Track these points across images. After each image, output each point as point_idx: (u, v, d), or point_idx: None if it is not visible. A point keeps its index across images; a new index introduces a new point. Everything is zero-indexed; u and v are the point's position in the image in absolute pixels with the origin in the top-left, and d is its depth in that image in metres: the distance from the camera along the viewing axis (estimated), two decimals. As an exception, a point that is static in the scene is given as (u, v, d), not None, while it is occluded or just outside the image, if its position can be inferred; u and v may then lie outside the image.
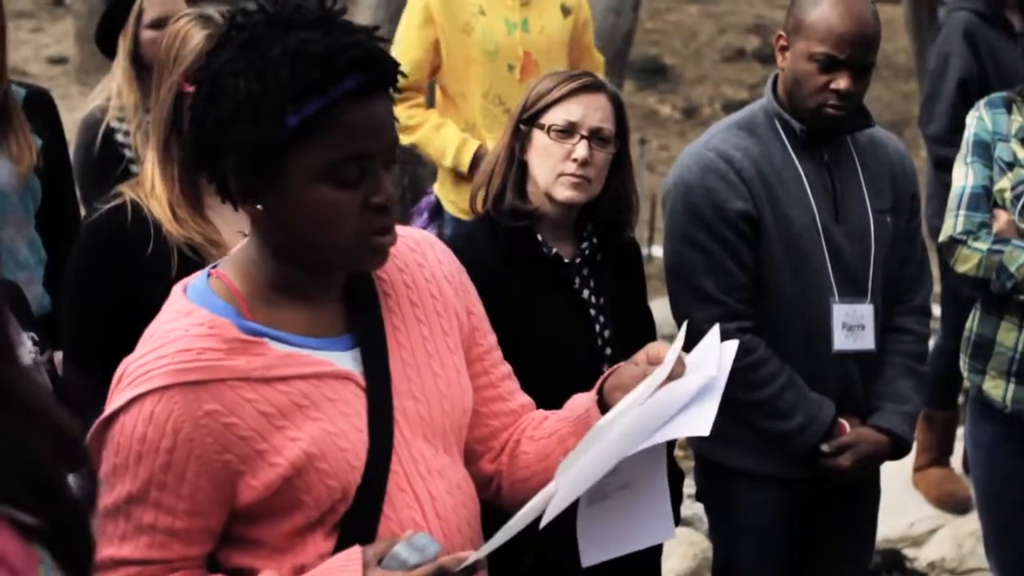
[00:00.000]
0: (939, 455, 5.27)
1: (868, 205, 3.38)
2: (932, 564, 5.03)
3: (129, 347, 2.75)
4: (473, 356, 2.18)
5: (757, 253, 3.29)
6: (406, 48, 4.52)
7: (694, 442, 3.51)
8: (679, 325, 3.40)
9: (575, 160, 3.08)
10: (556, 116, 3.12)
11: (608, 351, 3.17)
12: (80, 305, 2.89)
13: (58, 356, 3.02)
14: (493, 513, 2.15)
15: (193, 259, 2.79)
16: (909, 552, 5.09)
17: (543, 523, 1.96)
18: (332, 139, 1.85)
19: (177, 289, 2.02)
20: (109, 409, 1.93)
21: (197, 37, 2.83)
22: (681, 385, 2.03)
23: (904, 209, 3.46)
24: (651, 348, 2.10)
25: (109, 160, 4.00)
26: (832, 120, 3.27)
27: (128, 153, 4.00)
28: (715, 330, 2.14)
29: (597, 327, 3.17)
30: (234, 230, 2.88)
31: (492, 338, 2.24)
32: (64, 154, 3.81)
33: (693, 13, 15.76)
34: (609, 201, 3.19)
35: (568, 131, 3.10)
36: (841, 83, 3.22)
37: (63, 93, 11.63)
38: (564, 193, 3.10)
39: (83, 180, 4.03)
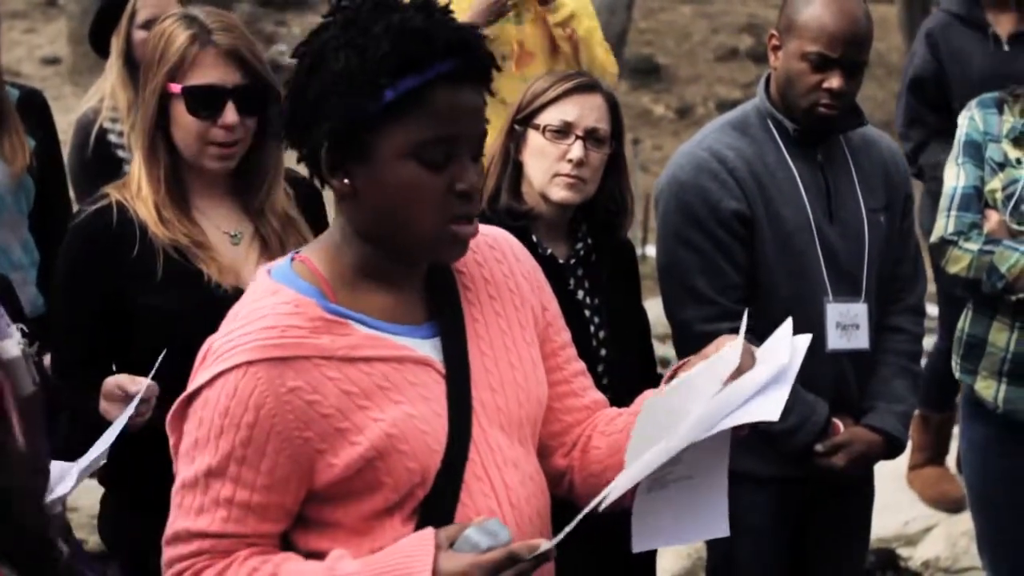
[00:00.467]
0: (934, 455, 5.27)
1: (862, 204, 3.38)
2: (926, 563, 5.03)
3: (115, 346, 2.76)
4: (547, 351, 2.20)
5: (751, 253, 3.29)
6: None
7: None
8: (672, 325, 3.40)
9: (570, 160, 3.08)
10: (551, 116, 3.12)
11: (603, 352, 3.17)
12: (66, 307, 2.89)
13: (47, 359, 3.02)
14: (563, 510, 2.14)
15: (179, 261, 2.79)
16: (903, 551, 5.09)
17: (604, 505, 1.97)
18: (424, 118, 1.89)
19: (262, 271, 2.06)
20: (193, 384, 1.96)
21: (181, 37, 2.82)
22: (751, 376, 2.04)
23: (897, 208, 3.46)
24: (720, 341, 2.12)
25: (103, 161, 3.99)
26: (825, 119, 3.27)
27: (122, 154, 3.99)
28: (788, 322, 2.15)
29: (592, 328, 3.17)
30: (220, 232, 2.87)
31: (566, 335, 2.26)
32: (57, 155, 3.81)
33: (687, 13, 15.77)
34: (604, 201, 3.19)
35: (563, 131, 3.10)
36: (834, 82, 3.22)
37: (56, 94, 11.62)
38: (559, 193, 3.10)
39: (77, 181, 4.03)
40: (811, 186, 3.33)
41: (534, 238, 3.15)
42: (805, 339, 2.13)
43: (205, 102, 2.79)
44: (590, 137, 3.11)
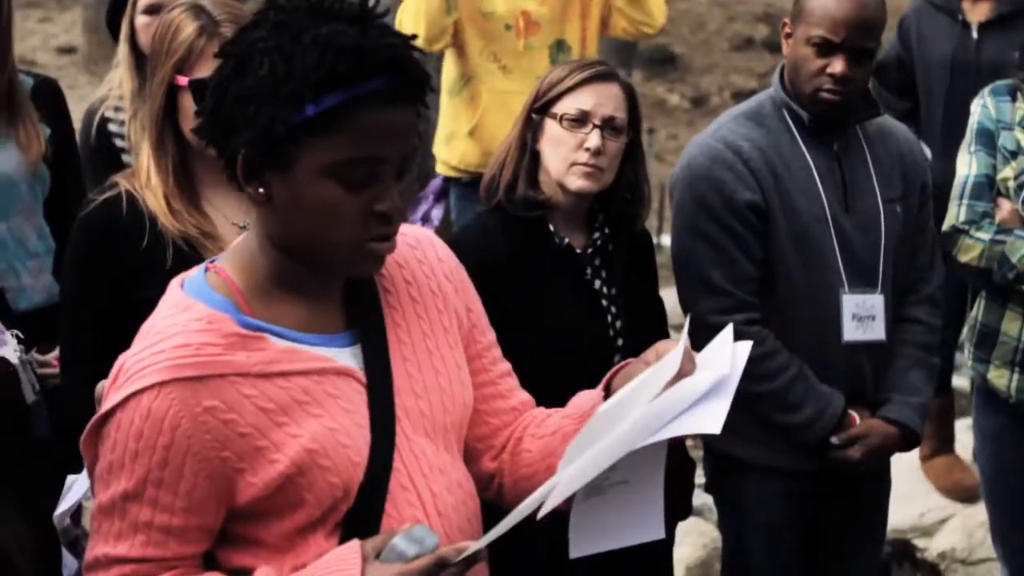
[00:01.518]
0: (941, 443, 5.26)
1: (878, 194, 3.37)
2: (942, 554, 5.02)
3: (124, 340, 2.75)
4: (472, 353, 2.16)
5: (766, 244, 3.28)
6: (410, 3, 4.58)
7: (703, 434, 3.50)
8: (687, 315, 3.39)
9: (587, 149, 3.08)
10: (568, 105, 3.11)
11: (620, 341, 3.17)
12: (74, 298, 2.88)
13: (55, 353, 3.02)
14: (493, 513, 2.14)
15: (188, 253, 2.77)
16: (919, 542, 5.08)
17: (541, 513, 1.95)
18: (346, 137, 1.83)
19: (174, 283, 2.00)
20: (106, 406, 1.92)
21: (188, 28, 2.79)
22: (691, 382, 2.01)
23: (914, 198, 3.45)
24: (660, 346, 2.07)
25: (101, 150, 4.00)
26: (829, 105, 3.25)
27: (120, 143, 3.99)
28: (728, 329, 2.12)
29: (608, 317, 3.17)
30: (230, 223, 2.86)
31: (491, 335, 2.22)
32: (72, 143, 3.81)
33: (702, 2, 15.73)
34: (621, 191, 3.19)
35: (580, 120, 3.10)
36: (837, 67, 3.21)
37: (71, 83, 11.64)
38: (576, 183, 3.10)
39: (83, 169, 4.05)
40: (827, 177, 3.32)
41: (551, 227, 3.14)
42: (745, 346, 2.09)
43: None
44: (607, 126, 3.11)
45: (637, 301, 3.24)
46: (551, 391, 2.34)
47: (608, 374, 2.16)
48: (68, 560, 2.45)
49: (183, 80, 2.78)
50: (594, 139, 3.08)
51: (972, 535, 5.01)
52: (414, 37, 1.92)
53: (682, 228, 3.33)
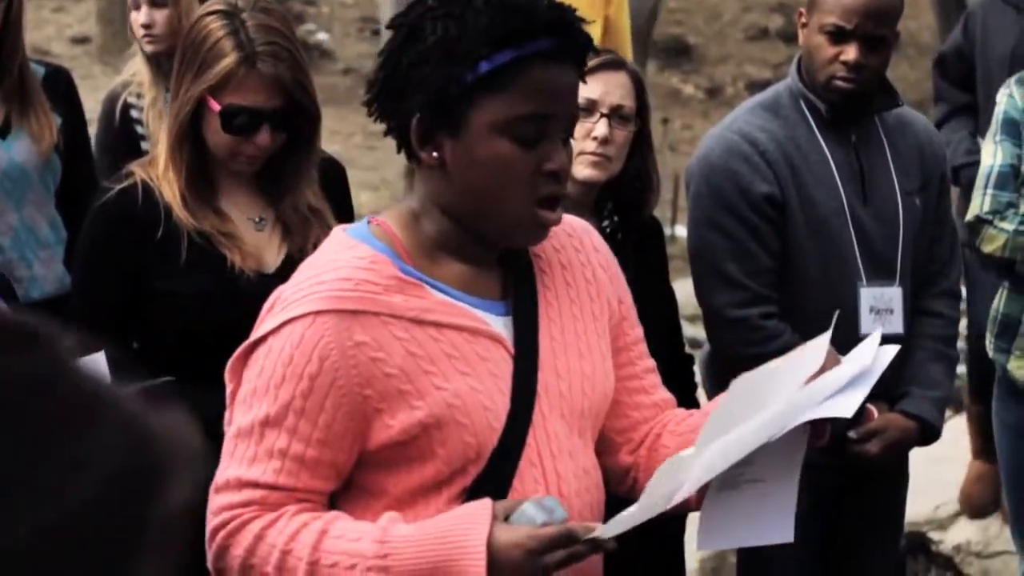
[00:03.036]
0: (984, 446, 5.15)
1: (896, 186, 3.34)
2: (957, 547, 5.00)
3: (136, 331, 2.73)
4: (620, 345, 2.18)
5: (782, 236, 3.26)
6: None
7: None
8: (703, 309, 3.37)
9: (595, 138, 3.07)
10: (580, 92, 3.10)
11: None
12: (87, 287, 2.88)
13: None
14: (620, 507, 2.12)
15: (203, 246, 2.77)
16: (934, 535, 5.06)
17: (675, 500, 1.93)
18: (519, 93, 1.89)
19: (338, 230, 2.04)
20: (259, 331, 1.95)
21: (229, 58, 2.74)
22: (835, 374, 2.02)
23: (933, 189, 3.42)
24: (808, 345, 2.10)
25: (124, 135, 4.02)
26: (843, 93, 3.23)
27: (140, 130, 4.01)
28: (877, 333, 2.15)
29: None
30: (245, 217, 2.85)
31: (639, 331, 2.23)
32: (83, 133, 3.81)
33: (717, -8, 15.69)
34: (629, 180, 3.17)
35: (588, 109, 3.08)
36: (850, 54, 3.19)
37: (85, 73, 11.65)
38: (583, 171, 3.09)
39: (100, 154, 4.05)
40: (844, 168, 3.30)
41: None
42: (891, 349, 2.11)
43: (241, 123, 2.76)
44: (615, 115, 3.09)
45: (646, 289, 3.21)
46: None
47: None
48: None
49: (216, 105, 2.75)
50: (601, 128, 3.07)
51: (987, 528, 4.99)
52: (575, 9, 1.97)
53: (698, 220, 3.31)
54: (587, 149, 3.08)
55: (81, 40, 13.55)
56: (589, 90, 3.09)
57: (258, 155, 2.81)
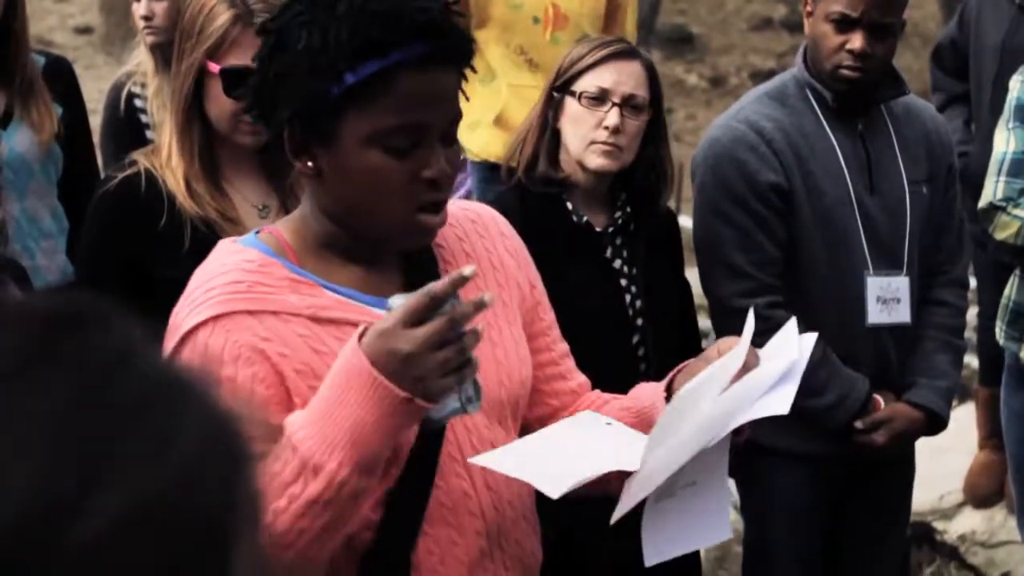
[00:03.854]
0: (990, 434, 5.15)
1: (903, 175, 3.33)
2: (962, 537, 5.00)
3: (140, 319, 2.67)
4: (535, 331, 2.13)
5: (789, 226, 3.25)
6: None
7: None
8: (709, 299, 3.37)
9: (607, 128, 3.05)
10: (588, 83, 3.09)
11: (639, 321, 3.15)
12: (91, 275, 2.87)
13: None
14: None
15: (207, 234, 2.74)
16: (939, 525, 5.06)
17: (614, 518, 1.91)
18: (387, 104, 1.80)
19: (224, 241, 1.98)
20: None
21: (224, 16, 2.76)
22: (760, 372, 1.99)
23: (940, 179, 3.41)
24: (722, 343, 2.04)
25: (129, 124, 4.03)
26: (849, 82, 3.22)
27: (144, 119, 4.02)
28: (792, 321, 2.11)
29: (628, 297, 3.15)
30: (250, 204, 2.85)
31: (552, 315, 2.19)
32: (85, 123, 3.80)
33: (720, -19, 15.65)
34: (643, 170, 3.16)
35: (600, 98, 3.07)
36: (856, 43, 3.18)
37: (88, 63, 11.63)
38: (595, 161, 3.07)
39: (105, 142, 4.06)
40: (851, 157, 3.29)
41: (568, 205, 3.12)
42: (811, 337, 2.07)
43: (241, 83, 2.72)
44: (627, 104, 3.08)
45: (659, 281, 3.21)
46: None
47: (670, 374, 2.11)
48: None
49: (215, 67, 2.75)
50: (613, 117, 3.05)
51: (992, 518, 4.99)
52: (456, 1, 1.90)
53: (705, 210, 3.30)
54: (599, 138, 3.07)
55: (84, 30, 13.52)
56: (601, 79, 3.08)
57: None
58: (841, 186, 3.26)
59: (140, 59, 4.15)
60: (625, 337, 3.08)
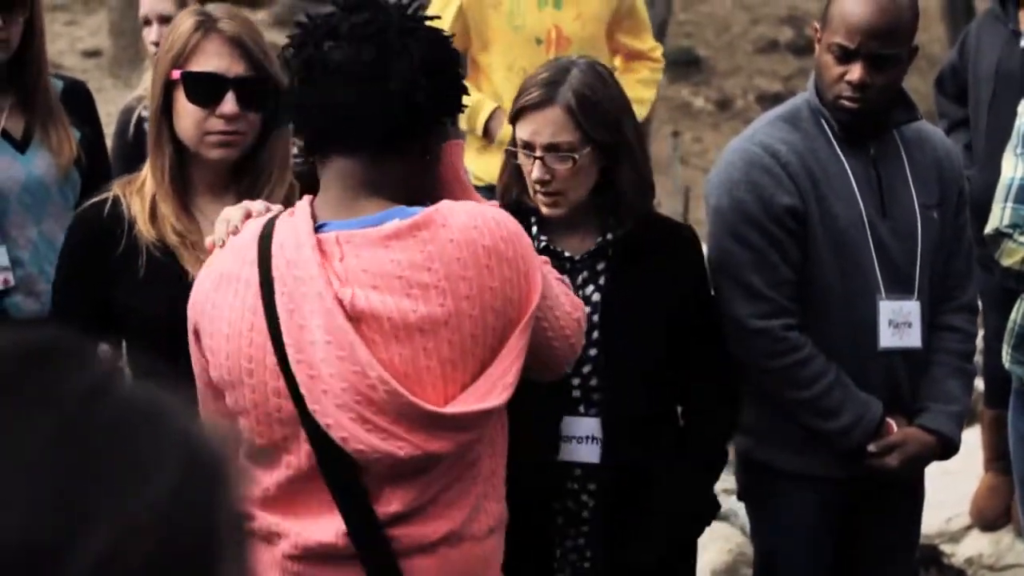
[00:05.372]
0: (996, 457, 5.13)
1: (915, 200, 3.34)
2: (969, 560, 4.99)
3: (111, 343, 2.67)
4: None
5: (803, 248, 3.26)
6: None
7: (737, 441, 3.48)
8: (725, 320, 3.32)
9: (535, 179, 3.01)
10: (518, 133, 3.04)
11: (591, 351, 3.04)
12: (61, 302, 2.86)
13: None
14: None
15: (164, 261, 2.72)
16: (946, 548, 5.05)
17: None
18: None
19: None
20: None
21: (186, 24, 2.77)
22: None
23: (951, 204, 3.41)
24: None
25: (138, 148, 4.04)
26: (849, 112, 3.23)
27: None
28: None
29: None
30: None
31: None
32: (102, 147, 3.82)
33: (726, 4, 15.70)
34: (621, 192, 3.06)
35: (527, 148, 3.02)
36: (854, 74, 3.17)
37: (97, 86, 11.66)
38: (543, 209, 3.04)
39: (115, 164, 4.08)
40: (863, 181, 3.29)
41: (534, 230, 3.07)
42: None
43: (204, 89, 2.73)
44: (550, 152, 2.99)
45: (634, 306, 3.08)
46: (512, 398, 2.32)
47: None
48: None
49: (177, 74, 2.74)
50: (536, 171, 2.99)
51: (999, 541, 4.98)
52: None
53: (720, 232, 3.30)
54: (536, 187, 3.02)
55: (92, 53, 13.56)
56: (523, 130, 3.01)
57: (227, 130, 2.74)
58: (853, 209, 3.27)
59: (149, 83, 4.17)
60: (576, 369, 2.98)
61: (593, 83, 3.01)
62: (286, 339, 2.19)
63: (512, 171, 3.12)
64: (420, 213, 2.24)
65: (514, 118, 3.06)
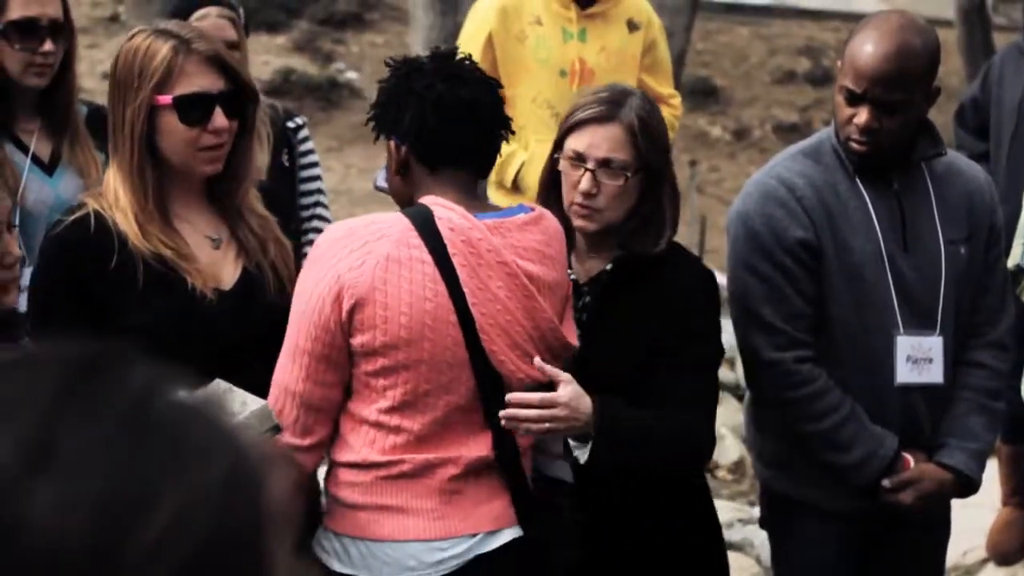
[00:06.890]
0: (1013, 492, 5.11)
1: (940, 234, 3.32)
2: (985, 594, 4.98)
3: None
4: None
5: (818, 282, 3.27)
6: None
7: (759, 471, 3.49)
8: (740, 351, 3.36)
9: (581, 192, 3.04)
10: (569, 145, 3.08)
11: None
12: (42, 320, 2.84)
13: None
14: None
15: (161, 271, 2.77)
16: (963, 582, 5.04)
17: None
18: None
19: None
20: None
21: (163, 50, 2.79)
22: None
23: (980, 239, 3.37)
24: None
25: None
26: (858, 154, 3.23)
27: None
28: None
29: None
30: (201, 236, 2.87)
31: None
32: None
33: (744, 35, 15.73)
34: (633, 224, 3.09)
35: (578, 160, 3.06)
36: (861, 118, 3.17)
37: (117, 108, 11.71)
38: (575, 221, 3.06)
39: None
40: (884, 215, 3.29)
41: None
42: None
43: (196, 110, 2.80)
44: (603, 167, 3.04)
45: (623, 335, 3.07)
46: None
47: None
48: None
49: (166, 99, 2.79)
50: (585, 182, 3.03)
51: (1016, 574, 4.96)
52: None
53: (736, 264, 3.31)
54: (576, 200, 3.05)
55: (113, 76, 13.65)
56: (577, 142, 3.05)
57: (218, 143, 2.82)
58: (872, 243, 3.26)
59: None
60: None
61: (651, 110, 3.14)
62: (470, 299, 2.72)
63: (548, 188, 3.15)
64: (536, 209, 2.91)
65: (568, 130, 3.10)
